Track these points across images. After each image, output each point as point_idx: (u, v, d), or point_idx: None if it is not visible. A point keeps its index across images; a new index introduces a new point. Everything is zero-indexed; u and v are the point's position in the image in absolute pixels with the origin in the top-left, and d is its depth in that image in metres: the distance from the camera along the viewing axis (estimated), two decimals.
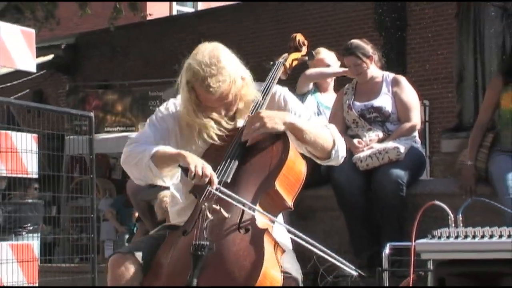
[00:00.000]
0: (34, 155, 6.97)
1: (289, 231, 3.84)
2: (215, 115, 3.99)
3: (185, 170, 3.78)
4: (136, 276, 3.71)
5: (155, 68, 18.52)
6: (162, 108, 4.20)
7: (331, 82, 7.86)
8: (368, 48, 7.30)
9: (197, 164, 3.75)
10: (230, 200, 3.72)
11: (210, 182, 3.74)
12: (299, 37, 4.66)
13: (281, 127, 3.87)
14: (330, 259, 3.65)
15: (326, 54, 7.77)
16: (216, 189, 3.75)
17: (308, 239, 3.71)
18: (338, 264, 3.65)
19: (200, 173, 3.71)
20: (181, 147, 4.05)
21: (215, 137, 3.98)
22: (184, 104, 4.02)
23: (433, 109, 15.55)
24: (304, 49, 4.66)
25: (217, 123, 3.99)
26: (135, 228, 12.63)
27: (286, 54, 4.53)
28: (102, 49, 20.53)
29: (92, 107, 16.93)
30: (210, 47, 4.02)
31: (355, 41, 7.43)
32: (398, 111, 7.14)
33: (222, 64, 3.94)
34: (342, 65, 7.68)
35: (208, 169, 3.75)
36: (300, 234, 3.77)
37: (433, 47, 15.89)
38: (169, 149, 3.93)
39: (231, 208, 3.72)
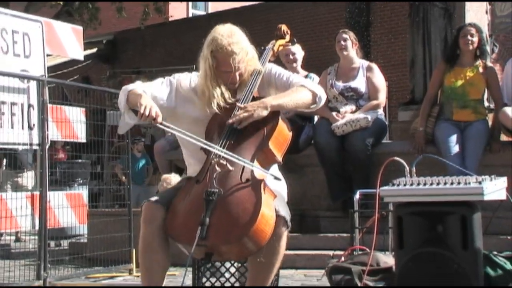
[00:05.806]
0: (83, 125, 6.94)
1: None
2: (223, 88, 3.90)
3: (136, 112, 3.70)
4: (160, 215, 3.66)
5: (176, 58, 18.48)
6: (179, 75, 4.15)
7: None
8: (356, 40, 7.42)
9: (146, 106, 3.65)
10: (229, 157, 3.65)
11: (154, 120, 3.64)
12: (284, 27, 4.58)
13: (265, 113, 3.78)
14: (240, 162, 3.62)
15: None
16: (219, 156, 3.66)
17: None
18: (248, 165, 3.62)
19: (147, 114, 3.62)
20: (187, 110, 3.96)
21: (215, 106, 3.85)
22: (204, 69, 3.89)
23: (392, 87, 15.53)
24: (288, 37, 4.59)
25: (222, 95, 3.90)
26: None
27: (274, 41, 4.47)
28: (134, 43, 20.56)
29: None
30: (227, 26, 3.94)
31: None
32: (370, 91, 7.16)
33: (238, 36, 3.88)
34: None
35: (154, 110, 3.65)
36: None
37: (391, 40, 15.89)
38: (140, 92, 3.81)
39: (234, 162, 3.67)
